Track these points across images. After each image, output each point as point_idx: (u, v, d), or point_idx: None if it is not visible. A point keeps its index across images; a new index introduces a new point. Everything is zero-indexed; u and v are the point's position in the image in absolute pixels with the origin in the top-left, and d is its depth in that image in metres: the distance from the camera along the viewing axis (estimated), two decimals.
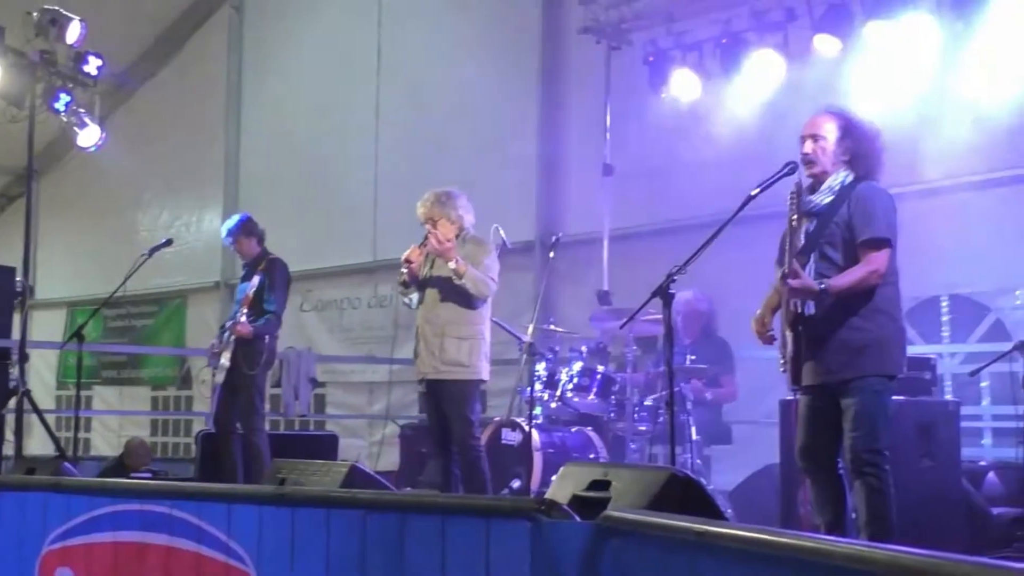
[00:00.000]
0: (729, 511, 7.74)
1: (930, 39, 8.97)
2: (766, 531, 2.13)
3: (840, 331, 5.31)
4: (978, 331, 9.41)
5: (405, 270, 7.22)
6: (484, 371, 7.24)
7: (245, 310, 8.44)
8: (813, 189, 5.56)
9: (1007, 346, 7.75)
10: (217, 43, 16.78)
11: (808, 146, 5.53)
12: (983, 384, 9.02)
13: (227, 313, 9.08)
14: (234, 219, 8.97)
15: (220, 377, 8.58)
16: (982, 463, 7.62)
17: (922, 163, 9.29)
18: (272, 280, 8.65)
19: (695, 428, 8.15)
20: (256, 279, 8.59)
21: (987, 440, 9.15)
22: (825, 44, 9.30)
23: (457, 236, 7.20)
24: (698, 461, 8.18)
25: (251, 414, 8.52)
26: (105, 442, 17.57)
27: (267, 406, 12.83)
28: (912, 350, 7.42)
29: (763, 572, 2.11)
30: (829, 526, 5.45)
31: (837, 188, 5.46)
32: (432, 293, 7.23)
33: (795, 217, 5.41)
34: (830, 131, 5.52)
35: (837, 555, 1.92)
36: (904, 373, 5.58)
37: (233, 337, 8.46)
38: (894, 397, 5.69)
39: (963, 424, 7.08)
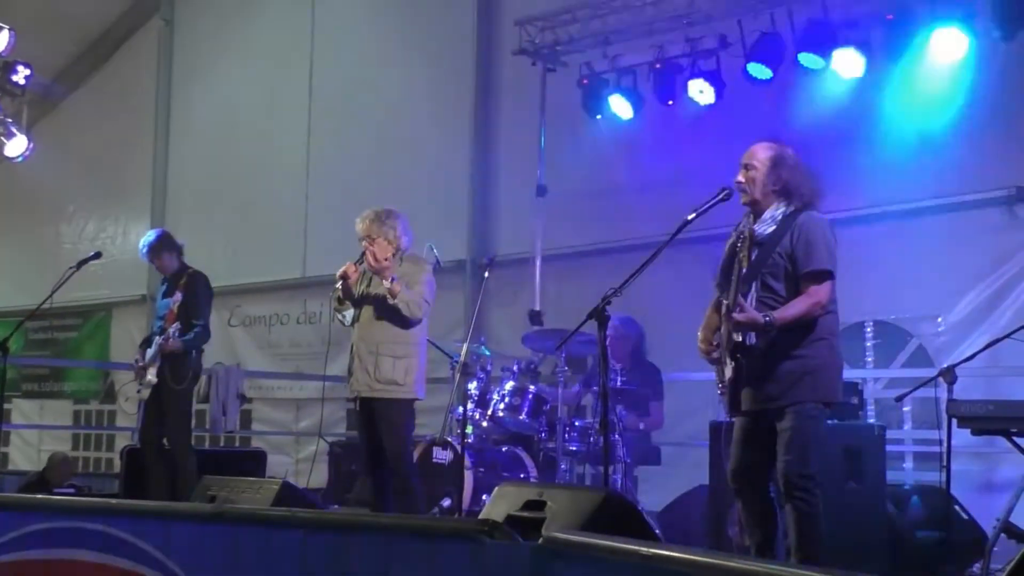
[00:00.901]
0: (657, 532, 7.80)
1: (858, 71, 9.13)
2: (713, 555, 2.16)
3: (781, 360, 5.36)
4: (901, 357, 9.57)
5: (339, 285, 7.19)
6: (419, 390, 7.21)
7: (176, 324, 8.35)
8: (748, 217, 5.64)
9: (929, 371, 7.87)
10: (147, 54, 16.65)
11: (741, 174, 5.61)
12: (905, 409, 9.17)
13: (150, 328, 8.97)
14: (151, 235, 8.90)
15: (146, 393, 8.49)
16: (906, 486, 7.73)
17: (850, 190, 9.43)
18: (195, 294, 8.58)
19: (625, 449, 8.18)
20: (179, 295, 8.52)
21: (909, 464, 9.30)
22: (757, 71, 9.43)
23: (394, 255, 7.18)
24: (628, 482, 8.21)
25: (179, 430, 8.45)
26: (24, 456, 17.29)
27: (194, 422, 12.76)
28: None
29: None
30: (759, 547, 5.50)
31: (779, 218, 5.52)
32: (368, 311, 7.21)
33: (743, 253, 5.47)
34: (762, 161, 5.58)
35: None
36: (840, 399, 5.67)
37: (159, 352, 8.37)
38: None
39: (887, 448, 7.18)
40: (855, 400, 7.30)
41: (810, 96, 9.53)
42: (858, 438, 6.93)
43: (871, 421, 8.39)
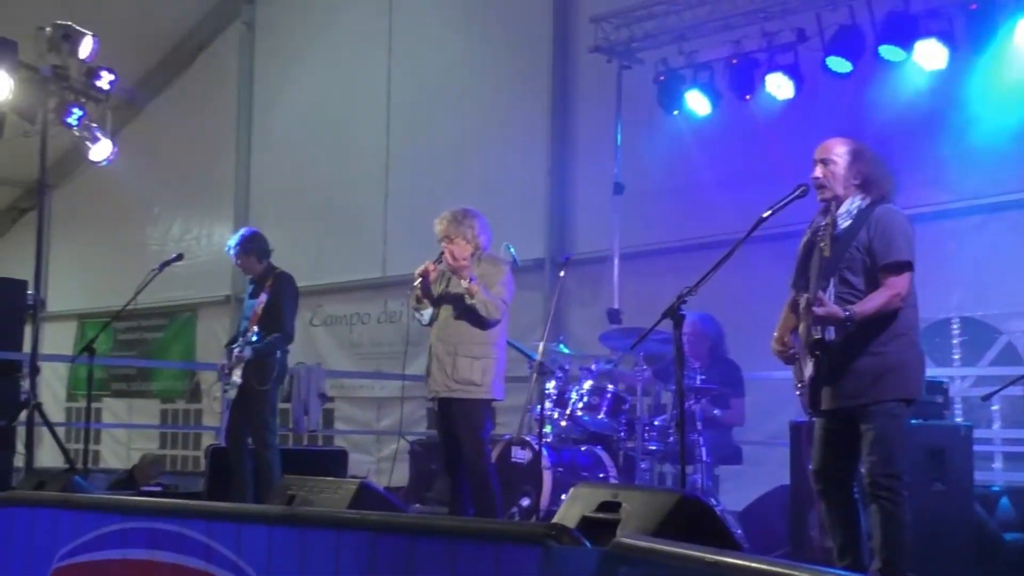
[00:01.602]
0: (739, 532, 7.72)
1: (941, 62, 8.97)
2: (779, 564, 2.12)
3: (861, 356, 5.29)
4: (989, 354, 9.39)
5: (417, 284, 7.20)
6: (497, 390, 7.19)
7: (255, 328, 8.40)
8: (825, 212, 5.57)
9: (1018, 369, 7.72)
10: (228, 58, 16.84)
11: (819, 170, 5.54)
12: (994, 408, 8.99)
13: (236, 327, 9.04)
14: (237, 235, 8.92)
15: (232, 393, 8.54)
16: (994, 488, 7.57)
17: (935, 185, 9.30)
18: (281, 296, 8.61)
19: (705, 449, 8.12)
20: (263, 296, 8.56)
21: (998, 464, 9.12)
22: (836, 65, 9.30)
23: (472, 255, 7.17)
24: (708, 481, 8.15)
25: (263, 430, 8.47)
26: (114, 455, 17.59)
27: (277, 420, 12.88)
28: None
29: None
30: (841, 550, 5.42)
31: (855, 212, 5.45)
32: (446, 311, 7.21)
33: (824, 244, 5.41)
34: (841, 155, 5.52)
35: None
36: (923, 397, 5.57)
37: (241, 357, 8.42)
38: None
39: (975, 448, 7.04)
40: (940, 399, 7.15)
41: (891, 89, 9.38)
42: (944, 438, 6.78)
43: (958, 420, 8.24)
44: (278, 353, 8.53)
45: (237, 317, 9.66)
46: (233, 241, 8.82)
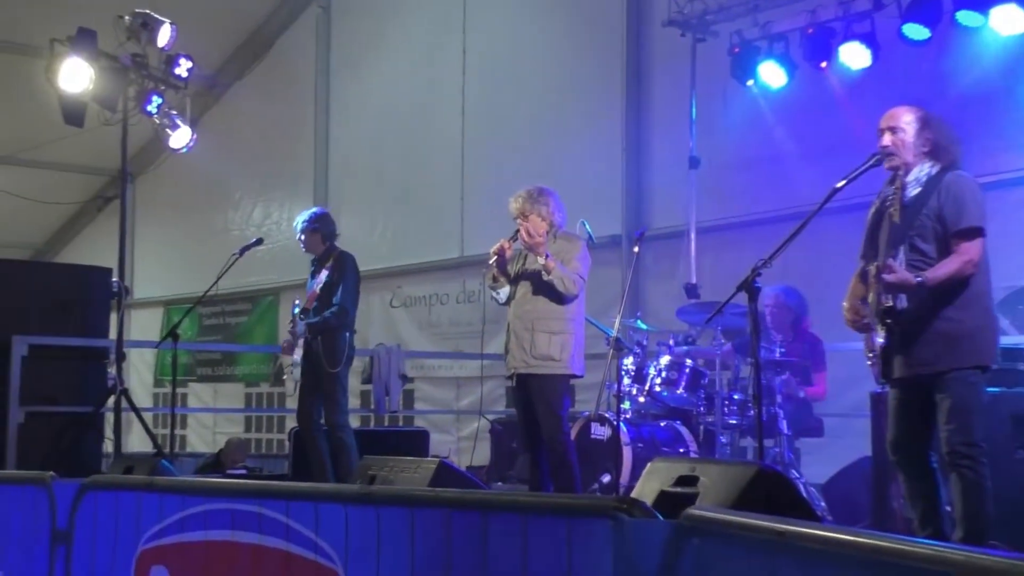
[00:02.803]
0: (822, 504, 7.69)
1: (1019, 27, 8.80)
2: (846, 531, 2.12)
3: (934, 323, 5.25)
4: None
5: (493, 262, 7.23)
6: (576, 366, 7.20)
7: (313, 306, 8.42)
8: (892, 181, 5.51)
9: None
10: (305, 42, 16.98)
11: (887, 138, 5.48)
12: None
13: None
14: (308, 212, 8.96)
15: (297, 374, 8.60)
16: None
17: (1016, 151, 9.14)
18: (341, 275, 8.61)
19: (785, 422, 8.08)
20: (323, 274, 8.59)
21: None
22: (913, 32, 9.16)
23: (548, 232, 7.19)
24: (789, 454, 8.10)
25: (335, 411, 8.54)
26: (200, 439, 17.89)
27: (358, 402, 13.01)
28: (1005, 340, 7.30)
29: (845, 572, 2.10)
30: (922, 520, 5.39)
31: (924, 179, 5.40)
32: (524, 288, 7.24)
33: (894, 210, 5.35)
34: (909, 123, 5.47)
35: (916, 556, 1.91)
36: (998, 364, 5.50)
37: (303, 333, 8.47)
38: (988, 388, 5.61)
39: None
40: (1022, 366, 7.06)
41: (969, 55, 9.24)
42: None
43: None
44: (347, 335, 8.58)
45: None
46: (303, 218, 8.86)
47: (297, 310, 8.56)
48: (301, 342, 8.48)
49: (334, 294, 8.55)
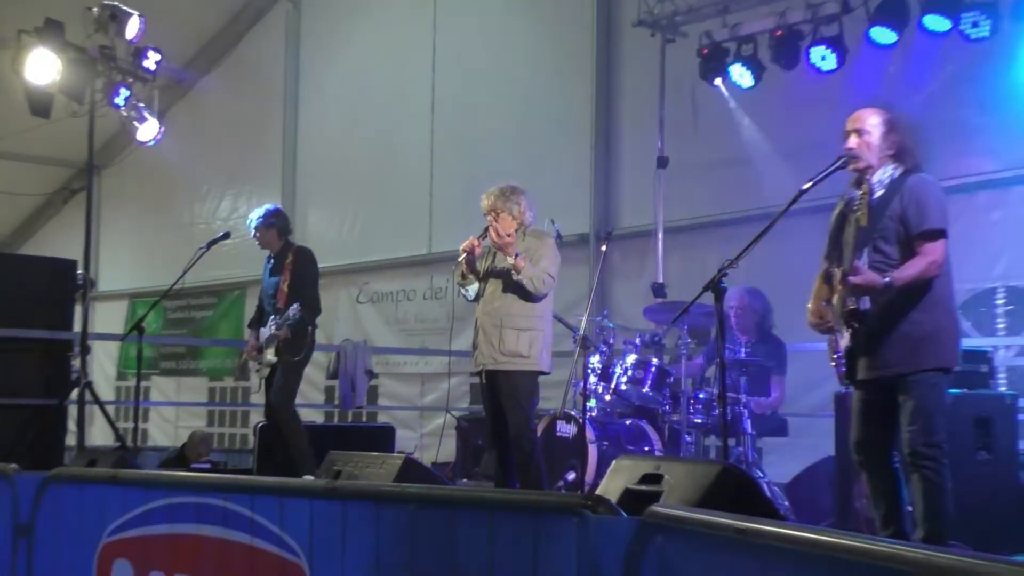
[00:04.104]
0: (785, 504, 7.74)
1: (985, 32, 8.87)
2: (805, 529, 2.15)
3: (897, 325, 5.28)
4: None
5: (462, 259, 7.24)
6: (544, 363, 7.22)
7: (296, 306, 8.38)
8: (858, 183, 5.54)
9: None
10: (274, 38, 16.94)
11: (853, 140, 5.51)
12: None
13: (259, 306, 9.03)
14: (262, 209, 8.92)
15: (266, 372, 8.60)
16: None
17: (981, 155, 9.23)
18: (303, 272, 8.62)
19: (750, 421, 8.12)
20: (288, 273, 8.58)
21: None
22: (880, 36, 9.23)
23: (517, 231, 7.21)
24: (752, 454, 8.14)
25: (288, 397, 8.54)
26: (162, 432, 17.82)
27: (323, 398, 12.98)
28: (967, 343, 7.37)
29: (803, 570, 2.13)
30: (884, 520, 5.42)
31: (887, 182, 5.43)
32: (493, 285, 7.25)
33: (861, 213, 5.37)
34: (875, 125, 5.49)
35: (875, 554, 1.93)
36: (960, 366, 5.55)
37: (277, 335, 8.45)
38: (951, 390, 5.67)
39: (1020, 417, 7.01)
40: (985, 368, 7.14)
41: (936, 59, 9.31)
42: (989, 407, 6.80)
43: (1002, 390, 8.18)
44: (310, 329, 8.58)
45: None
46: (257, 214, 8.83)
47: (268, 332, 8.53)
48: (274, 343, 8.47)
49: (303, 290, 8.54)
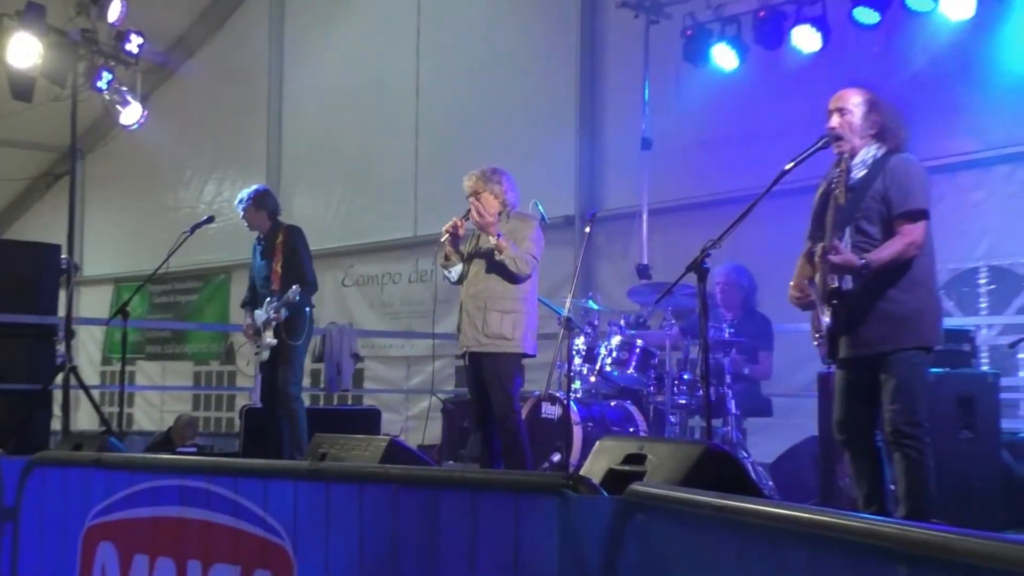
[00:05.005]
0: (770, 483, 7.77)
1: (968, 11, 8.88)
2: (783, 506, 2.17)
3: (878, 304, 5.30)
4: (1016, 303, 9.36)
5: (445, 240, 7.24)
6: (528, 345, 7.22)
7: (296, 287, 8.33)
8: (839, 163, 5.54)
9: None
10: (258, 21, 16.88)
11: (835, 120, 5.52)
12: (1020, 356, 8.96)
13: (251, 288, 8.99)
14: (250, 189, 8.86)
15: (265, 355, 8.58)
16: (1021, 435, 7.57)
17: (963, 134, 9.25)
18: (296, 251, 8.59)
19: (734, 402, 8.16)
20: (279, 253, 8.56)
21: None
22: (863, 16, 9.24)
23: (500, 212, 7.22)
24: (737, 434, 8.18)
25: (292, 381, 8.52)
26: (147, 417, 17.81)
27: (309, 381, 12.98)
28: (950, 322, 7.41)
29: (782, 547, 2.15)
30: (867, 499, 5.45)
31: (870, 161, 5.44)
32: (477, 267, 7.25)
33: (839, 192, 5.38)
34: (857, 105, 5.50)
35: (852, 530, 1.95)
36: (942, 345, 5.57)
37: (276, 317, 8.42)
38: (933, 369, 5.69)
39: (1002, 396, 7.05)
40: (967, 348, 7.17)
41: (919, 39, 9.33)
42: (971, 386, 6.80)
43: (984, 369, 8.21)
44: (308, 310, 8.57)
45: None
46: (245, 194, 8.78)
47: (265, 315, 8.50)
48: (273, 324, 8.44)
49: (298, 269, 8.51)
